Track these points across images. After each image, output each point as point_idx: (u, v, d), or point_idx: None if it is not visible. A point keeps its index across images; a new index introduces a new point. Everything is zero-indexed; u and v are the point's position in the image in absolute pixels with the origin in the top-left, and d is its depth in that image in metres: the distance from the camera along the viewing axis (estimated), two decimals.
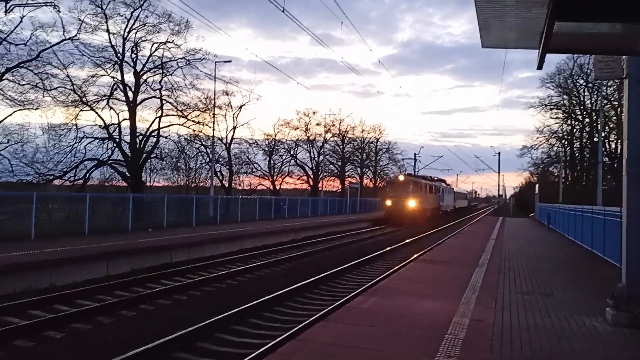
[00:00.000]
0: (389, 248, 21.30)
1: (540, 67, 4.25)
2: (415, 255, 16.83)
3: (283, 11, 16.44)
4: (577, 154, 55.50)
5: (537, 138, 55.99)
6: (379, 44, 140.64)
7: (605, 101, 41.38)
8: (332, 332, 6.56)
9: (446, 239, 22.96)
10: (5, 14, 22.59)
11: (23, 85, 26.10)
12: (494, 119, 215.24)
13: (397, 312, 7.71)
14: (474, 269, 12.42)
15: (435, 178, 54.11)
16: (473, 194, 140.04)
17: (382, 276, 13.43)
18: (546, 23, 3.60)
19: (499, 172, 67.96)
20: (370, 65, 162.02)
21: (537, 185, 53.92)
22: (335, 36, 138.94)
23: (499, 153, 64.72)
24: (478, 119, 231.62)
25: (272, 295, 11.01)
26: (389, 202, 40.41)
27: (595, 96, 48.45)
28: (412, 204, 39.08)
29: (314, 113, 58.46)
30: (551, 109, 53.88)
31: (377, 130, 65.48)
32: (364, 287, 12.07)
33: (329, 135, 60.92)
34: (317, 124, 59.26)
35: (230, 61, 44.08)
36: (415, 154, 65.23)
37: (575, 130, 54.87)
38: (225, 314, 9.23)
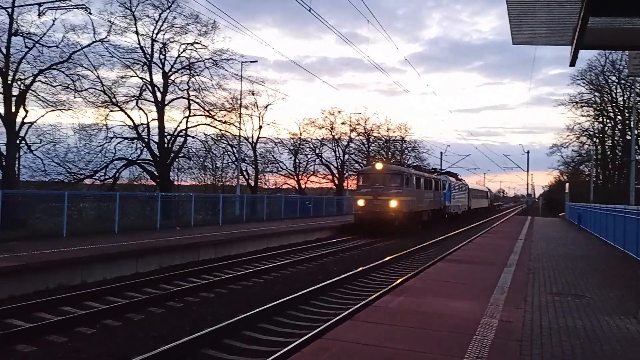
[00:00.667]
0: (416, 247, 21.17)
1: (573, 64, 4.17)
2: (443, 255, 16.68)
3: (310, 10, 16.45)
4: (608, 152, 54.33)
5: (568, 136, 55.09)
6: (405, 41, 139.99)
7: (638, 98, 40.42)
8: (359, 331, 6.55)
9: (474, 239, 22.70)
10: (39, 17, 23.11)
11: (55, 86, 26.67)
12: (523, 117, 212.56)
13: (424, 312, 7.65)
14: (503, 269, 12.25)
15: (440, 170, 44.87)
16: (500, 193, 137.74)
17: (408, 275, 13.35)
18: (580, 19, 3.53)
19: (527, 171, 67.11)
20: (396, 63, 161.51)
21: (567, 185, 52.95)
22: (362, 34, 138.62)
23: (528, 152, 63.89)
24: (507, 116, 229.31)
25: (298, 293, 11.04)
26: (360, 202, 27.68)
27: (628, 93, 47.42)
28: (394, 204, 26.79)
29: (339, 112, 58.34)
30: (582, 107, 52.91)
31: (402, 129, 65.02)
32: (390, 286, 12.01)
33: (354, 134, 60.77)
34: (343, 123, 59.15)
35: (256, 61, 44.47)
36: (441, 153, 64.64)
37: (607, 128, 53.77)
38: (252, 311, 9.29)
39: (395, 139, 64.32)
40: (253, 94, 40.98)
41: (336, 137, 59.15)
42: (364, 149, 62.98)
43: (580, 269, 13.06)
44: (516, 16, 4.37)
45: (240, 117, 35.92)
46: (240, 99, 35.57)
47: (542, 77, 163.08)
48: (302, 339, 7.61)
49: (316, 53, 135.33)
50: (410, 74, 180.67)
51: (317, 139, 57.85)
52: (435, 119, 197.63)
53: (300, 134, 55.76)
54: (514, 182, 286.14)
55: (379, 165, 28.88)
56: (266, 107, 43.70)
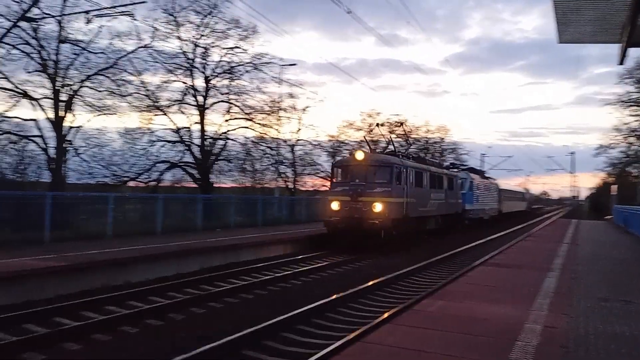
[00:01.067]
0: (458, 249, 20.86)
1: (622, 62, 4.04)
2: (484, 258, 16.38)
3: (349, 13, 16.44)
4: None
5: (615, 137, 53.28)
6: (445, 42, 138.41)
7: None
8: (399, 334, 6.49)
9: (516, 242, 22.20)
10: (87, 24, 23.82)
11: (101, 91, 27.44)
12: (567, 117, 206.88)
13: (465, 317, 7.53)
14: (546, 273, 11.94)
15: (459, 166, 38.22)
16: (543, 195, 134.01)
17: (449, 279, 13.15)
18: (629, 15, 3.40)
19: (572, 173, 65.27)
20: (436, 64, 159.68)
21: (614, 186, 51.25)
22: (401, 36, 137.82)
23: (573, 153, 62.16)
24: (550, 117, 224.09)
25: (337, 296, 11.02)
26: (334, 205, 20.60)
27: None
28: (379, 207, 19.68)
29: (377, 114, 58.05)
30: (630, 106, 51.04)
31: (442, 130, 64.14)
32: (430, 290, 11.87)
33: (393, 136, 60.30)
34: (381, 125, 58.82)
35: (295, 64, 44.49)
36: (482, 154, 63.44)
37: None
38: (291, 313, 9.33)
39: (435, 141, 63.61)
40: (292, 97, 41.23)
41: (374, 139, 58.90)
42: (403, 151, 62.45)
43: (628, 273, 12.61)
44: (562, 14, 4.26)
45: (279, 120, 36.22)
46: (279, 102, 35.88)
47: (588, 76, 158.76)
48: (341, 342, 7.59)
49: (355, 55, 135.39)
50: (450, 75, 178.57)
51: (356, 141, 57.70)
52: (476, 120, 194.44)
53: (338, 136, 55.73)
54: (558, 184, 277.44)
55: (359, 155, 21.28)
56: (304, 109, 43.87)
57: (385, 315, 9.20)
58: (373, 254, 19.24)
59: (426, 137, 62.79)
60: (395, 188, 20.70)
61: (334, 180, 22.31)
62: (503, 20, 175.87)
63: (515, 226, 40.23)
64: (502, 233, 31.72)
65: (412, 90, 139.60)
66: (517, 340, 6.32)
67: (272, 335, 8.37)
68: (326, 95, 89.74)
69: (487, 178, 43.01)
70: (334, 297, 11.06)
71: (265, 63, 34.01)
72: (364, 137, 28.73)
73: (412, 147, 62.09)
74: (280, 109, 36.52)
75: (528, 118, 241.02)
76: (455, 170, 34.25)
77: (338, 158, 37.77)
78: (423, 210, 23.80)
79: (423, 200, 23.81)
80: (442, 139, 63.83)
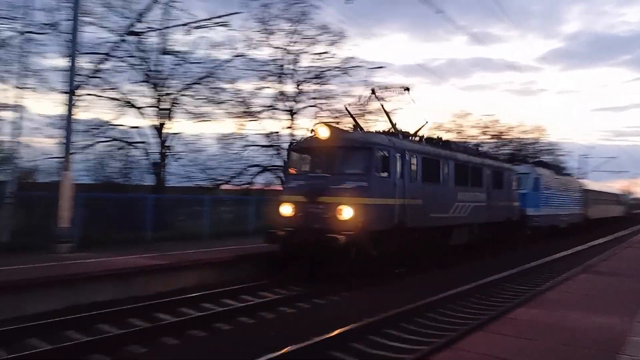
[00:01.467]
0: (563, 254, 19.76)
1: None
2: (583, 266, 15.48)
3: (441, 13, 16.12)
4: None
5: None
6: (542, 38, 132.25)
7: None
8: (491, 343, 6.30)
9: (618, 250, 20.77)
10: (188, 34, 25.11)
11: (198, 99, 28.80)
12: None
13: (561, 326, 7.17)
14: None
15: (523, 158, 32.30)
16: None
17: (544, 287, 12.56)
18: None
19: None
20: (530, 61, 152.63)
21: None
22: (493, 33, 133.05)
23: None
24: None
25: (426, 300, 10.87)
26: (285, 209, 13.53)
27: None
28: (348, 213, 12.43)
29: (468, 115, 56.45)
30: None
31: (538, 130, 61.13)
32: (525, 298, 11.39)
33: (485, 137, 58.34)
34: (472, 127, 57.11)
35: (383, 67, 44.26)
36: (581, 155, 59.68)
37: None
38: (378, 317, 9.30)
39: (528, 142, 60.78)
40: (378, 99, 41.05)
41: (465, 140, 57.29)
42: (496, 152, 60.27)
43: None
44: None
45: (366, 123, 36.17)
46: (367, 105, 35.82)
47: None
48: (430, 347, 7.49)
49: (444, 55, 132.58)
50: (546, 72, 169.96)
51: None
52: (576, 119, 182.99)
53: (431, 138, 54.61)
54: None
55: (323, 131, 14.00)
56: (392, 112, 43.46)
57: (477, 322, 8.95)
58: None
59: (520, 138, 60.14)
60: (378, 182, 13.31)
61: (291, 170, 15.46)
62: (605, 13, 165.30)
63: (610, 234, 34.45)
64: (583, 246, 24.67)
65: (504, 89, 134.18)
66: (619, 353, 5.94)
67: (360, 338, 8.40)
68: (414, 98, 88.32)
69: (565, 175, 35.36)
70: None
71: (354, 67, 34.20)
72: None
73: (505, 148, 59.80)
74: (368, 112, 36.49)
75: (634, 116, 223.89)
76: (521, 164, 27.98)
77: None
78: (439, 218, 16.13)
79: (440, 202, 16.23)
80: (538, 139, 60.87)
